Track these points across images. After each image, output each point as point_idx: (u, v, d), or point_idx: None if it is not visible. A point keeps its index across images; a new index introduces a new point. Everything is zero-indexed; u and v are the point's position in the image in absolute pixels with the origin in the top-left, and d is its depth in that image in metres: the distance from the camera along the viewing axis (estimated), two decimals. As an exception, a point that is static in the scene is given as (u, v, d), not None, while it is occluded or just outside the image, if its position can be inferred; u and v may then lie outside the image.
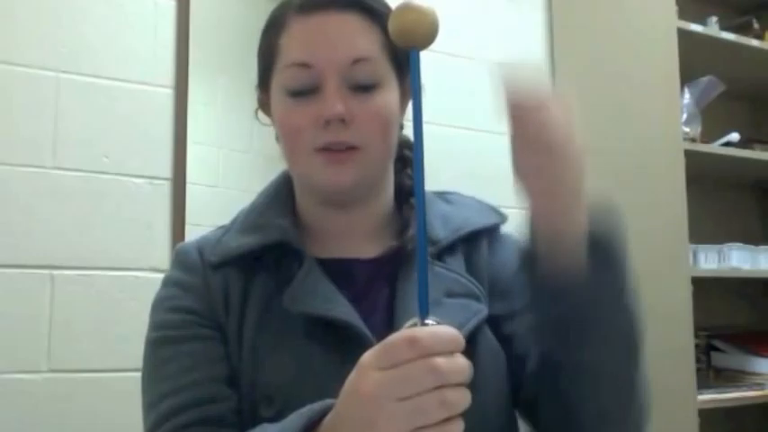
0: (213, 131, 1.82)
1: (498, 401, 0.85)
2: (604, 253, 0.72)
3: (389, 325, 0.81)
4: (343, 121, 0.82)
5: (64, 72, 1.65)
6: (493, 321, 0.88)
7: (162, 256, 1.67)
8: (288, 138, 0.86)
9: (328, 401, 0.66)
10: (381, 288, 0.87)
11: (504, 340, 0.87)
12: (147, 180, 1.70)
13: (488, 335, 0.86)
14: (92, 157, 1.65)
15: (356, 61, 0.83)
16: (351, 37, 0.84)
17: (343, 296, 0.83)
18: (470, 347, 0.73)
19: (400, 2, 0.64)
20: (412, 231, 0.88)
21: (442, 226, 0.90)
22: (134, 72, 1.72)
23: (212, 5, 1.85)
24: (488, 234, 0.93)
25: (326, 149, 0.83)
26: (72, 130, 1.64)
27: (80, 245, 1.62)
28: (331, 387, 0.65)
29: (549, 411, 0.81)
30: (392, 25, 0.64)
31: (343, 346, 0.78)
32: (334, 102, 0.82)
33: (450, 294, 0.85)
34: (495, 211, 0.97)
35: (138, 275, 1.65)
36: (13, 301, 1.54)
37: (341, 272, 0.87)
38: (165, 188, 1.72)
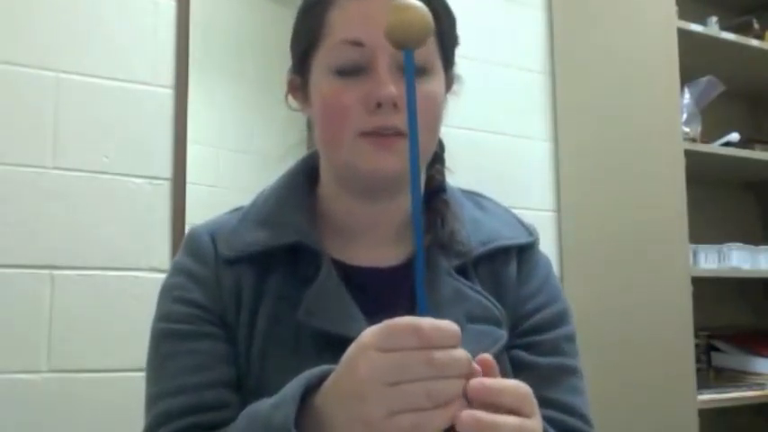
0: (213, 131, 1.83)
1: None
2: None
3: None
4: (394, 105, 0.78)
5: (64, 72, 1.65)
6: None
7: (162, 256, 1.67)
8: (332, 119, 0.82)
9: (327, 367, 0.66)
10: (401, 301, 0.82)
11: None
12: (147, 180, 1.70)
13: (505, 361, 0.83)
14: (92, 157, 1.65)
15: None
16: None
17: (360, 309, 0.81)
18: None
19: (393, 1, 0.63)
20: (433, 236, 0.86)
21: (470, 234, 0.87)
22: (134, 72, 1.72)
23: (212, 5, 1.85)
24: (519, 253, 0.90)
25: (374, 134, 0.79)
26: (72, 130, 1.64)
27: (80, 245, 1.62)
28: None
29: None
30: (385, 24, 0.63)
31: None
32: (388, 83, 0.78)
33: (471, 318, 0.82)
34: (527, 228, 0.93)
35: (138, 275, 1.65)
36: (13, 301, 1.54)
37: (359, 281, 0.84)
38: (165, 188, 1.72)
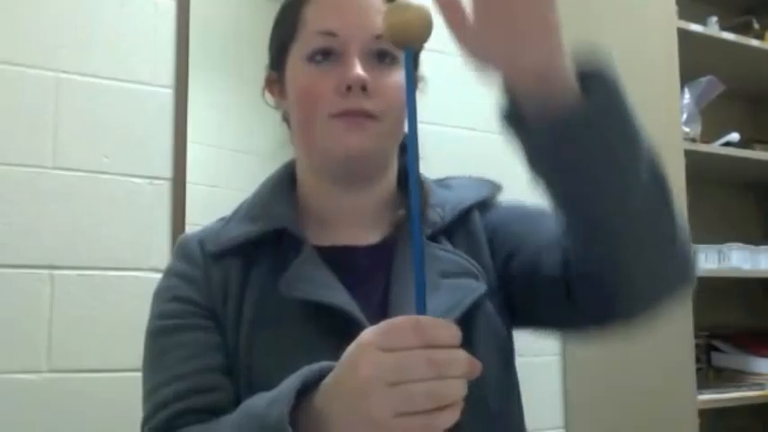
0: (213, 131, 1.82)
1: (496, 375, 0.86)
2: (598, 82, 0.65)
3: (384, 313, 0.82)
4: (364, 88, 0.83)
5: (64, 72, 1.65)
6: (502, 275, 0.89)
7: (162, 256, 1.67)
8: (306, 105, 0.86)
9: (326, 363, 0.67)
10: (379, 275, 0.87)
11: (515, 278, 0.88)
12: (148, 180, 1.70)
13: (488, 311, 0.87)
14: (92, 157, 1.65)
15: (379, 36, 0.84)
16: (375, 13, 0.86)
17: (342, 283, 0.84)
18: (466, 325, 0.76)
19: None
20: (405, 210, 0.90)
21: (440, 211, 0.91)
22: (134, 72, 1.72)
23: (212, 5, 1.85)
24: (481, 206, 0.94)
25: (343, 115, 0.84)
26: (72, 130, 1.64)
27: (80, 245, 1.62)
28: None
29: (589, 291, 0.78)
30: (386, 24, 0.64)
31: (340, 333, 0.78)
32: (357, 67, 0.83)
33: (445, 275, 0.85)
34: (489, 183, 0.98)
35: (138, 275, 1.65)
36: (13, 301, 1.54)
37: (340, 259, 0.87)
38: (165, 188, 1.72)
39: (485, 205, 0.94)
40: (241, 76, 1.86)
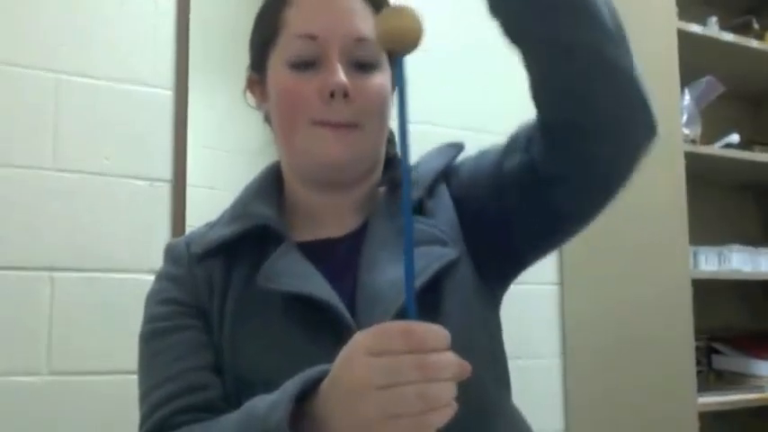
0: (213, 133, 1.82)
1: (472, 336, 0.85)
2: None
3: (353, 297, 0.83)
4: (346, 95, 0.83)
5: (64, 72, 1.65)
6: (484, 217, 0.89)
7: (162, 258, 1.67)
8: (288, 108, 0.87)
9: (325, 366, 0.68)
10: (354, 260, 0.87)
11: (500, 211, 0.88)
12: (148, 182, 1.70)
13: (459, 275, 0.86)
14: (92, 158, 1.65)
15: (360, 39, 0.85)
16: (355, 17, 0.86)
17: (322, 274, 0.84)
18: (435, 291, 0.80)
19: (387, 6, 0.64)
20: (381, 190, 0.93)
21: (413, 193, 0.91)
22: (134, 72, 1.72)
23: (212, 5, 1.84)
24: (444, 173, 0.94)
25: (326, 123, 0.84)
26: (72, 130, 1.64)
27: (80, 247, 1.61)
28: (308, 367, 0.69)
29: (560, 158, 0.81)
30: (378, 29, 0.64)
31: (320, 324, 0.80)
32: (340, 73, 0.84)
33: (414, 244, 0.86)
34: (450, 146, 0.98)
35: (138, 278, 1.65)
36: (13, 303, 1.54)
37: (320, 252, 0.88)
38: (166, 190, 1.71)
39: (448, 171, 0.95)
40: (241, 77, 1.85)
